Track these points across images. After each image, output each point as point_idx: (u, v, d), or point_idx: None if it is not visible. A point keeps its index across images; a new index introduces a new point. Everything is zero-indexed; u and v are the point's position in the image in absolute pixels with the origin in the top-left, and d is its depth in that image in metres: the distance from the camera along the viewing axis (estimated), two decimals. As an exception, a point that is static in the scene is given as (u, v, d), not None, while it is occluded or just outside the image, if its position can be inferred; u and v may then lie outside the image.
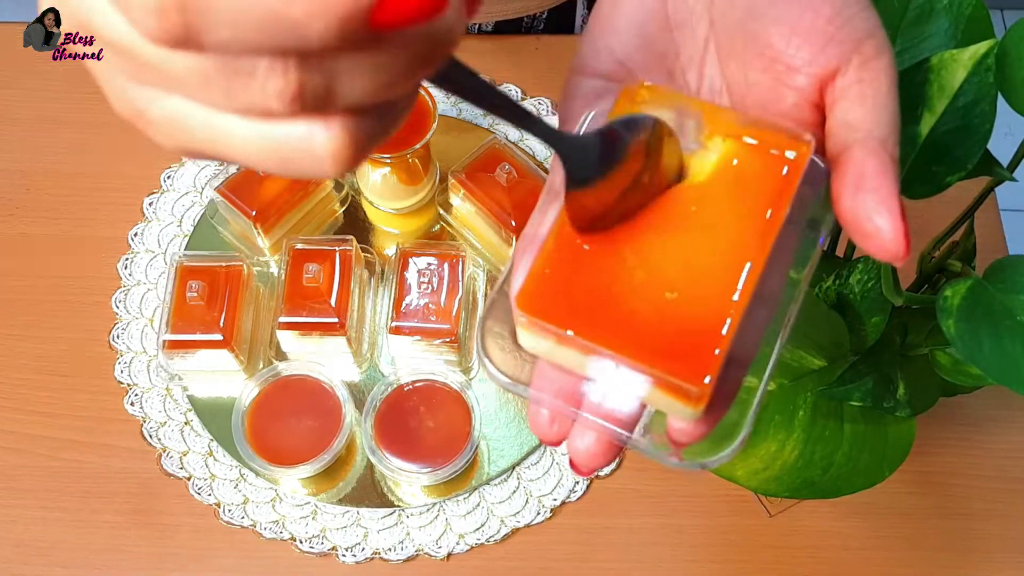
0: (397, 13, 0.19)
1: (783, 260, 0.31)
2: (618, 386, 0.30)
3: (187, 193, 0.78)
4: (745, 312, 0.28)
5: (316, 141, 0.21)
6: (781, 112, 0.31)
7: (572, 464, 0.31)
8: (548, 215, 0.31)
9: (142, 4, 0.19)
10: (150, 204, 0.77)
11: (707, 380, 0.27)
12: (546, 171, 0.74)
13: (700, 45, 0.33)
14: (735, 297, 0.28)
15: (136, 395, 0.71)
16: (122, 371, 0.72)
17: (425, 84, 0.71)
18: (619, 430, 0.30)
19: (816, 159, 0.31)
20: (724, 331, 0.28)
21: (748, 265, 0.28)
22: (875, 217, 0.28)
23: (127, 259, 0.75)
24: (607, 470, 0.68)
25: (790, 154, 0.30)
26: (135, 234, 0.76)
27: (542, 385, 0.31)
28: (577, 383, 0.31)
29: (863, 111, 0.29)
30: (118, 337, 0.73)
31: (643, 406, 0.30)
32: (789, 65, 0.30)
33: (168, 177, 0.78)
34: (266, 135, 0.21)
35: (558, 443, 0.31)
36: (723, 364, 0.28)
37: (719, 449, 0.30)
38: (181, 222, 0.77)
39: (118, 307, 0.74)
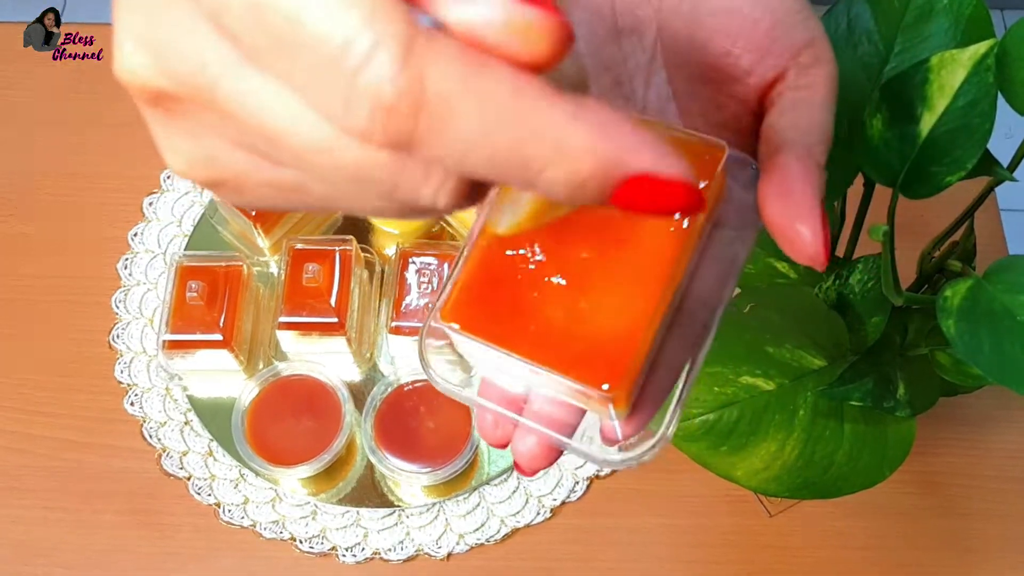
0: (643, 204, 0.20)
1: (716, 265, 0.31)
2: (547, 392, 0.31)
3: (187, 193, 0.78)
4: (668, 318, 0.29)
5: (440, 202, 0.21)
6: (722, 120, 0.32)
7: (516, 466, 0.32)
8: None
9: (371, 99, 0.18)
10: (150, 204, 0.77)
11: (605, 387, 0.28)
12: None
13: (647, 53, 0.33)
14: (649, 304, 0.29)
15: (136, 395, 0.71)
16: (122, 371, 0.72)
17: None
18: (554, 434, 0.31)
19: (754, 164, 0.31)
20: (636, 337, 0.28)
21: (664, 273, 0.29)
22: (796, 223, 0.28)
23: (127, 259, 0.75)
24: (606, 470, 0.68)
25: (704, 160, 0.30)
26: (135, 234, 0.76)
27: (487, 391, 0.32)
28: (514, 389, 0.32)
29: (793, 118, 0.30)
30: (118, 337, 0.73)
31: (581, 410, 0.31)
32: (730, 75, 0.31)
33: (168, 177, 0.78)
34: (394, 202, 0.21)
35: (503, 446, 0.32)
36: (641, 368, 0.28)
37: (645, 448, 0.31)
38: (181, 222, 0.77)
39: (118, 307, 0.74)
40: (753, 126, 0.32)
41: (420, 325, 0.68)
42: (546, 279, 0.30)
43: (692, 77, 0.32)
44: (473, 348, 0.30)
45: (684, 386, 0.31)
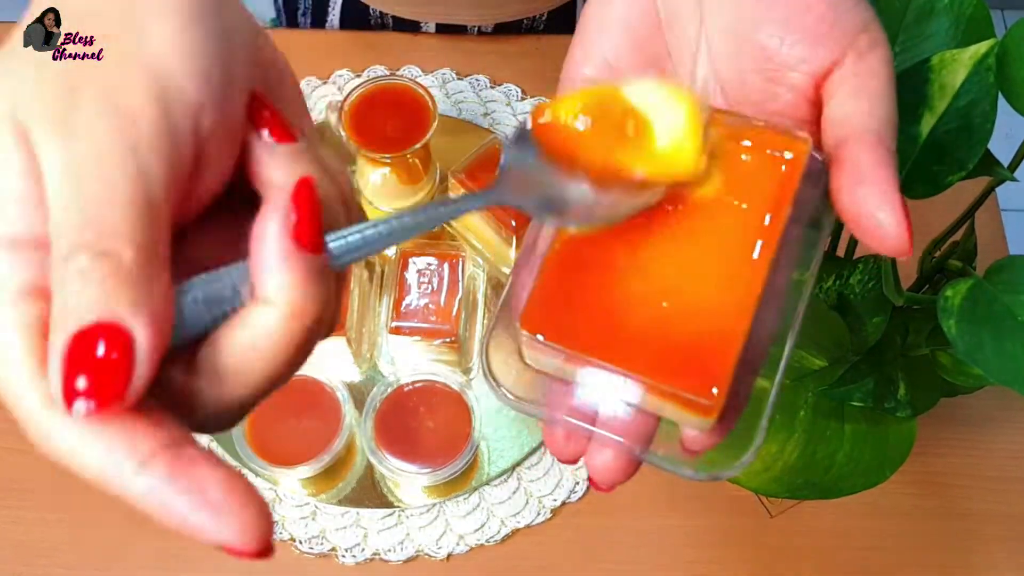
0: None
1: (788, 260, 0.30)
2: (629, 401, 0.29)
3: (187, 193, 0.78)
4: (752, 317, 0.28)
5: None
6: (776, 110, 0.31)
7: (592, 481, 0.30)
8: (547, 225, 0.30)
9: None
10: (150, 204, 0.77)
11: (715, 391, 0.27)
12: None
13: (691, 45, 0.32)
14: (740, 304, 0.27)
15: (136, 396, 0.71)
16: (122, 372, 0.71)
17: (425, 85, 0.71)
18: (635, 445, 0.29)
19: (817, 156, 0.30)
20: (731, 340, 0.27)
21: (752, 271, 0.28)
22: (877, 212, 0.27)
23: (127, 259, 0.75)
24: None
25: (788, 154, 0.29)
26: (135, 234, 0.76)
27: (555, 403, 0.30)
28: (590, 399, 0.30)
29: (858, 105, 0.29)
30: (118, 337, 0.73)
31: (657, 419, 0.30)
32: (783, 63, 0.30)
33: (168, 177, 0.78)
34: None
35: (575, 461, 0.30)
36: (733, 372, 0.27)
37: (732, 457, 0.29)
38: (181, 222, 0.77)
39: (118, 307, 0.74)
40: (811, 114, 0.31)
41: (420, 325, 0.68)
42: (628, 283, 0.28)
43: (742, 68, 0.31)
44: (553, 358, 0.28)
45: (776, 390, 0.29)
